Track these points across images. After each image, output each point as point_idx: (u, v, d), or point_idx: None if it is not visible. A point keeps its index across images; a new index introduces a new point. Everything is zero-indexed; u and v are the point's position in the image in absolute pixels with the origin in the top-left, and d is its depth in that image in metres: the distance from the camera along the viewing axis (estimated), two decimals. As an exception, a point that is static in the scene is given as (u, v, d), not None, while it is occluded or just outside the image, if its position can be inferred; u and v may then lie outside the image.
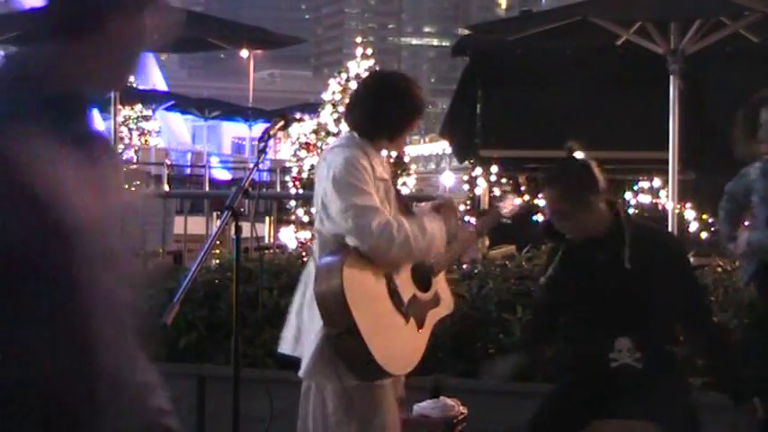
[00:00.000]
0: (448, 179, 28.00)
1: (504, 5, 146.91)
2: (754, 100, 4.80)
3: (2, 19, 14.21)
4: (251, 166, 3.79)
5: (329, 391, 3.90)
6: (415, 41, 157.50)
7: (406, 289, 3.92)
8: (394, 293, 3.86)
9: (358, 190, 3.79)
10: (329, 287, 3.75)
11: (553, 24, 9.19)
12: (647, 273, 4.14)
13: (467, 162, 12.87)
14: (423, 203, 4.41)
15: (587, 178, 4.18)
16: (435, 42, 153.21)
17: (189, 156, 30.37)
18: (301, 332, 3.94)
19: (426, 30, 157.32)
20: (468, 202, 11.75)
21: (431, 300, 4.05)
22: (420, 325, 3.97)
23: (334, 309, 3.71)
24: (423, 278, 4.04)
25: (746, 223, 5.07)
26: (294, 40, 12.99)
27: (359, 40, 26.62)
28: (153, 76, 41.80)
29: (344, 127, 20.26)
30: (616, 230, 4.18)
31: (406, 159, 26.02)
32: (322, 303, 3.77)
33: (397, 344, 3.85)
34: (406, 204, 4.13)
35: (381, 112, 4.00)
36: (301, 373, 3.92)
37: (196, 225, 9.97)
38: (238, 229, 3.43)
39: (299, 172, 22.66)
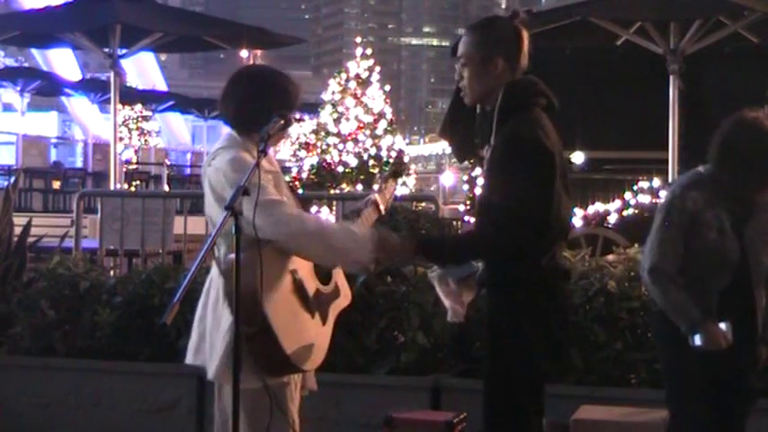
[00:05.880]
0: (448, 179, 27.99)
1: (503, 5, 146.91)
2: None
3: (2, 19, 14.22)
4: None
5: (227, 391, 3.77)
6: (414, 41, 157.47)
7: (310, 283, 3.86)
8: (300, 288, 3.80)
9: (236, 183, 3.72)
10: (242, 283, 3.62)
11: (553, 24, 9.19)
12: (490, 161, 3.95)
13: (467, 162, 12.87)
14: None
15: (510, 36, 3.97)
16: (435, 42, 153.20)
17: (189, 156, 30.34)
18: (203, 339, 3.86)
19: (426, 30, 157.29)
20: (468, 202, 11.75)
21: (332, 292, 3.99)
22: (324, 320, 3.92)
23: (248, 306, 3.61)
24: (323, 270, 3.96)
25: None
26: (294, 40, 12.98)
27: (359, 40, 26.62)
28: (153, 75, 41.78)
29: (344, 127, 20.23)
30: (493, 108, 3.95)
31: (406, 159, 26.09)
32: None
33: (307, 339, 3.80)
34: (298, 198, 4.07)
35: (251, 107, 3.92)
36: (210, 375, 3.84)
37: (196, 225, 9.94)
38: (238, 229, 3.42)
39: (299, 172, 22.67)
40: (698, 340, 4.22)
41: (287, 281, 3.75)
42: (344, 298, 4.08)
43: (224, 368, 3.76)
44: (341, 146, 22.67)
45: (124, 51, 10.92)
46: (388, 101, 23.71)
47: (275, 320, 3.66)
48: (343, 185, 21.98)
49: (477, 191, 11.44)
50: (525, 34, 4.00)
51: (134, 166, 24.07)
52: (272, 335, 3.65)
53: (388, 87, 24.55)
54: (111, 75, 11.00)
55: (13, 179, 11.70)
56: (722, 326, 4.23)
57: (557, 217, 3.88)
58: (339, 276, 4.05)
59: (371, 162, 22.58)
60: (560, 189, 3.90)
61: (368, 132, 22.83)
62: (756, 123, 4.34)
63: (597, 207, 10.93)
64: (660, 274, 4.32)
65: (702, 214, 4.27)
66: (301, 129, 24.25)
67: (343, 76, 23.45)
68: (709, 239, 4.27)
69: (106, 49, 10.63)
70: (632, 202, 10.87)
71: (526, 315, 3.92)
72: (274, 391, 3.73)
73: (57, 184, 20.28)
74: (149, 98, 30.34)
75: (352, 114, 22.87)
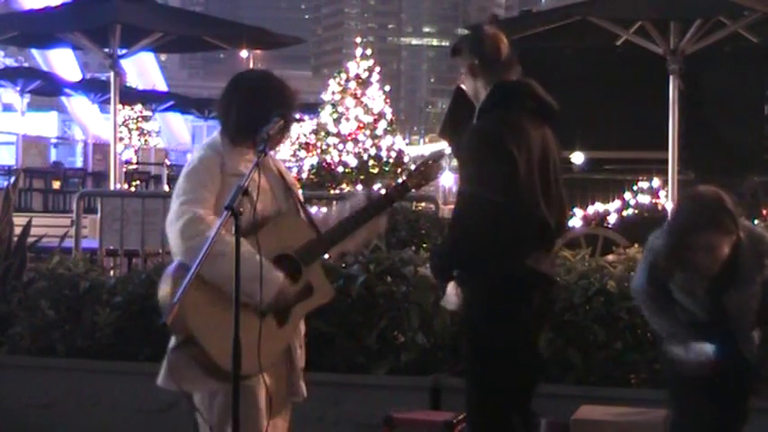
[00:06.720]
0: (448, 179, 27.95)
1: (503, 5, 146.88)
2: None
3: (2, 19, 14.22)
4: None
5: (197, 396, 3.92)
6: (414, 41, 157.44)
7: None
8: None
9: (184, 191, 3.83)
10: (164, 294, 3.76)
11: (553, 24, 9.20)
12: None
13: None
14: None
15: (478, 39, 4.38)
16: (435, 42, 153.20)
17: (189, 156, 30.29)
18: None
19: (426, 30, 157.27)
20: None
21: (300, 292, 3.91)
22: (282, 321, 3.88)
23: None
24: (293, 269, 3.90)
25: None
26: (294, 40, 12.97)
27: (359, 40, 26.67)
28: (153, 76, 41.76)
29: (344, 127, 20.14)
30: None
31: (406, 159, 26.11)
32: (162, 311, 3.78)
33: (243, 344, 3.58)
34: (300, 202, 4.12)
35: (247, 112, 3.94)
36: (158, 380, 3.92)
37: (196, 225, 9.96)
38: (238, 229, 3.41)
39: (299, 172, 22.68)
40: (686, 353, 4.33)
41: (221, 288, 3.70)
42: (319, 296, 4.01)
43: (164, 374, 3.87)
44: (341, 146, 22.69)
45: (124, 51, 10.92)
46: (387, 101, 23.74)
47: (198, 327, 3.69)
48: (344, 185, 21.99)
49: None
50: (495, 34, 4.32)
51: (134, 166, 24.04)
52: (198, 343, 3.70)
53: (387, 87, 24.58)
54: (111, 75, 11.00)
55: (13, 179, 11.70)
56: (706, 347, 4.26)
57: (528, 212, 3.98)
58: (314, 274, 3.99)
59: (371, 162, 22.59)
60: (533, 187, 4.01)
61: (368, 132, 22.86)
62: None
63: (597, 207, 10.93)
64: (640, 294, 4.47)
65: (673, 278, 4.33)
66: (301, 129, 24.27)
67: (343, 76, 23.49)
68: (679, 299, 4.34)
69: (106, 49, 10.64)
70: (632, 202, 10.87)
71: (501, 313, 4.02)
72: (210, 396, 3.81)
73: (57, 184, 20.26)
74: (149, 98, 30.28)
75: (352, 114, 22.89)
